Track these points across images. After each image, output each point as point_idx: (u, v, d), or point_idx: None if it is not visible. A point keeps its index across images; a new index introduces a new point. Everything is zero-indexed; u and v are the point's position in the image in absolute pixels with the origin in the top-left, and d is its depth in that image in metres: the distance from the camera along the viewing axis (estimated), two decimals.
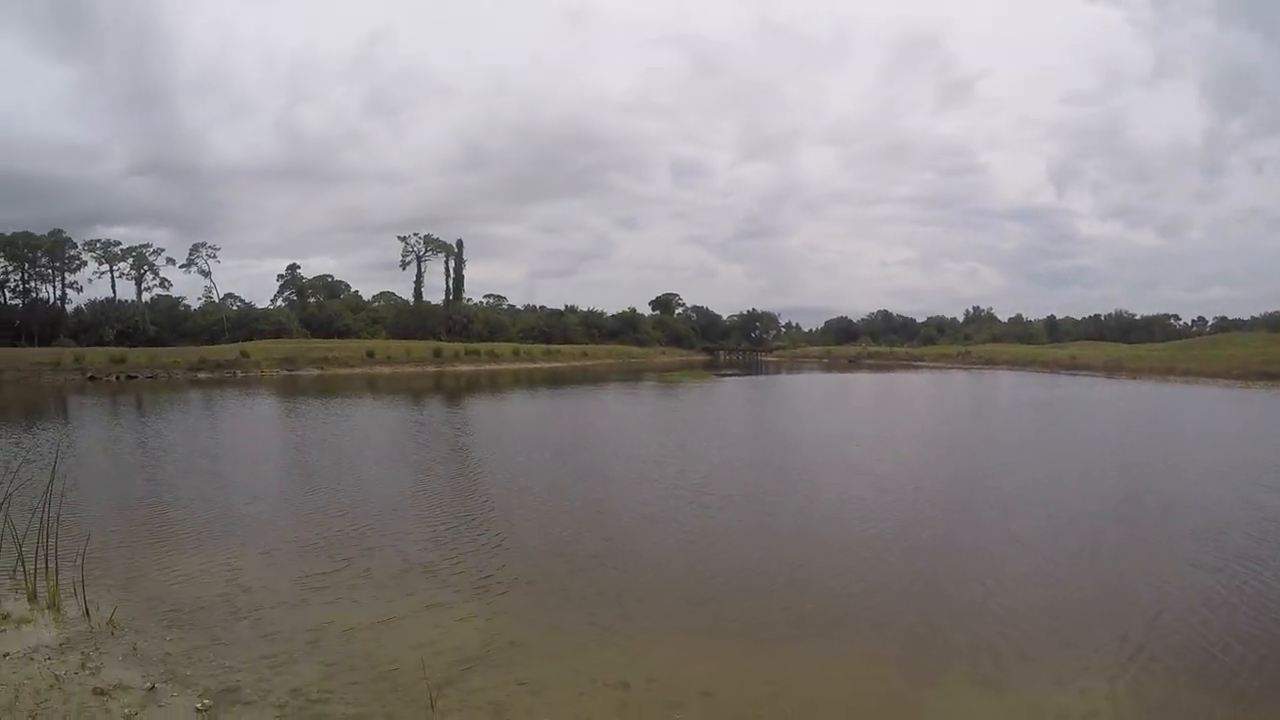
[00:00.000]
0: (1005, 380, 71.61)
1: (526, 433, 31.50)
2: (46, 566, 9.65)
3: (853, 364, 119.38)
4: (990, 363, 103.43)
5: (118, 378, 61.95)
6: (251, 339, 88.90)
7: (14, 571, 10.00)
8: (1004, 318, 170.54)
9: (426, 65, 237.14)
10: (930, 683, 8.56)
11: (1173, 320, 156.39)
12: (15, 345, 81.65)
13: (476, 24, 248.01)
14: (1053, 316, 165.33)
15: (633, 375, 79.25)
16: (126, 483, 19.84)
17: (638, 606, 10.79)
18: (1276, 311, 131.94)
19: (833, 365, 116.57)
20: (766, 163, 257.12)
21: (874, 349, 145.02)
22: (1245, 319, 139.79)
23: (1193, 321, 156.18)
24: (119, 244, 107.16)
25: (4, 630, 8.58)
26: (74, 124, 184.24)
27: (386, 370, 77.82)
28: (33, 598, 9.51)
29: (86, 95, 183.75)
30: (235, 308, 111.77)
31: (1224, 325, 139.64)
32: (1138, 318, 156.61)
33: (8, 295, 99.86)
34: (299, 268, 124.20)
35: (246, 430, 32.78)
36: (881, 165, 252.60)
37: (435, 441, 28.32)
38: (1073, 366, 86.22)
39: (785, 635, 9.82)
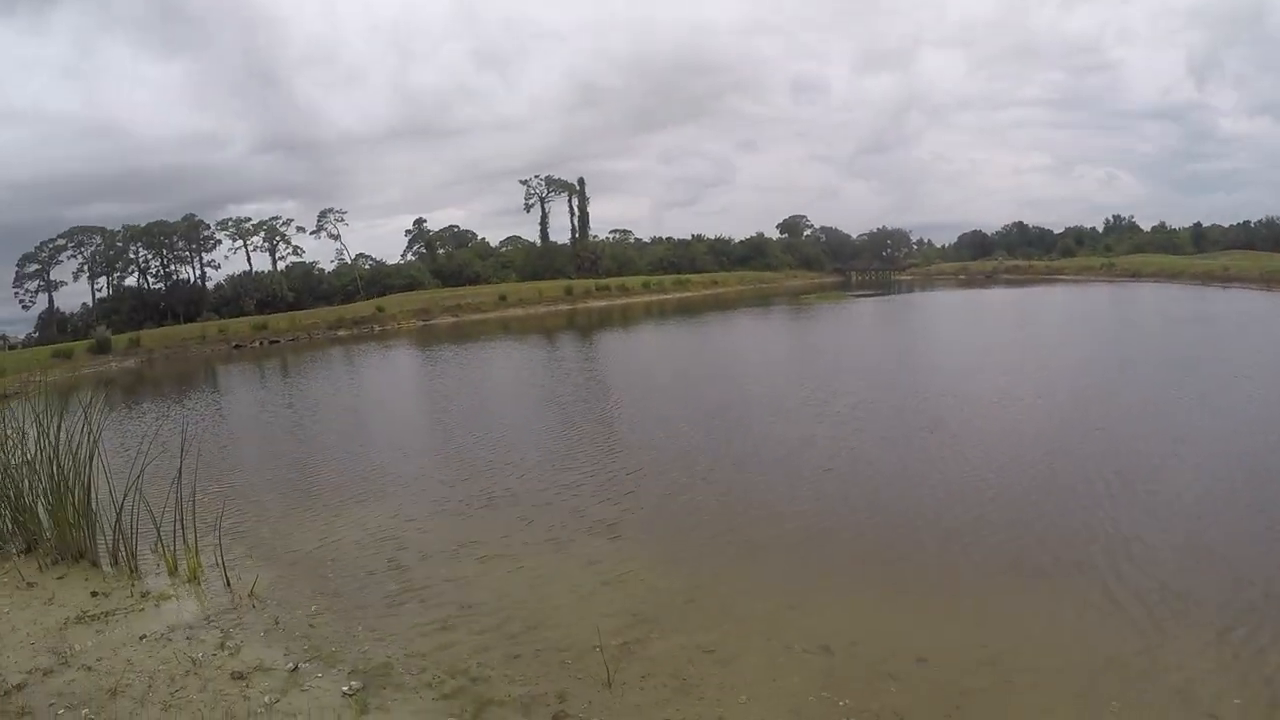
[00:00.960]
0: (1158, 294, 66.44)
1: (671, 366, 29.96)
2: (187, 538, 8.97)
3: (990, 279, 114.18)
4: (1136, 275, 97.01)
5: (261, 343, 63.30)
6: (385, 294, 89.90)
7: (155, 543, 9.32)
8: (1146, 226, 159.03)
9: (527, 12, 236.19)
10: (1169, 639, 7.15)
11: None
12: (162, 325, 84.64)
13: None
14: (1199, 224, 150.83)
15: (765, 300, 77.31)
16: (272, 445, 19.21)
17: (822, 558, 9.61)
18: None
19: (970, 281, 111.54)
20: (887, 73, 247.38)
21: (1011, 263, 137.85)
22: None
23: None
24: (250, 219, 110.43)
25: (143, 609, 7.84)
26: (193, 114, 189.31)
27: (520, 312, 77.45)
28: (173, 571, 8.80)
29: (201, 86, 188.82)
30: (367, 266, 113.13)
31: None
32: None
33: (150, 280, 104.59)
34: (425, 221, 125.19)
35: (388, 382, 32.18)
36: (1008, 67, 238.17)
37: (579, 381, 26.67)
38: (1226, 279, 79.82)
39: (995, 587, 8.50)
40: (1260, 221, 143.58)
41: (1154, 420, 15.51)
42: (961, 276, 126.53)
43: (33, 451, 9.40)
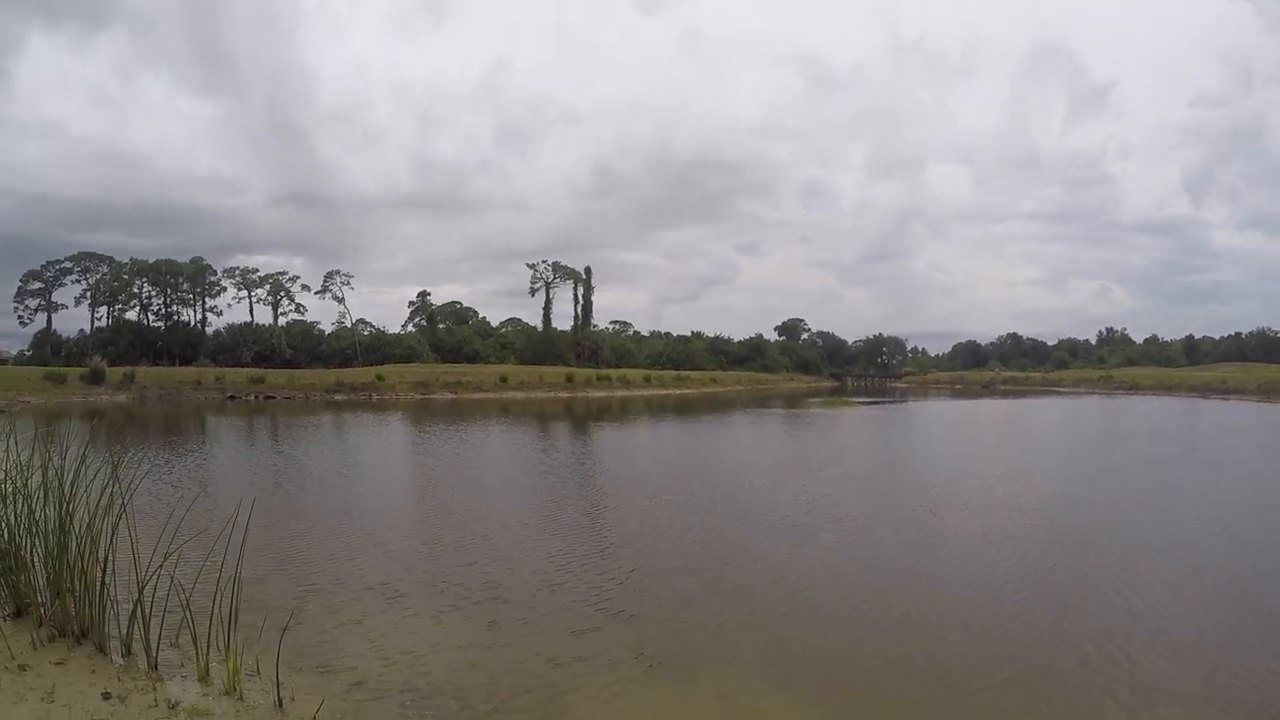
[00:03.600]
0: (1163, 406, 65.75)
1: (685, 469, 28.61)
2: (224, 633, 7.16)
3: (987, 389, 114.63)
4: (1134, 387, 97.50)
5: (256, 397, 62.23)
6: (383, 363, 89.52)
7: (176, 637, 7.74)
8: (1138, 338, 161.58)
9: (551, 93, 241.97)
10: None
11: None
12: (158, 364, 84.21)
13: (595, 50, 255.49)
14: (1191, 336, 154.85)
15: (765, 402, 76.35)
16: (307, 520, 16.82)
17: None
18: None
19: (965, 391, 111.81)
20: (893, 182, 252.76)
21: (1008, 374, 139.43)
22: None
23: None
24: (256, 271, 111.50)
25: None
26: (216, 157, 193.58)
27: (519, 395, 76.44)
28: (204, 676, 6.99)
29: (228, 130, 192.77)
30: (367, 332, 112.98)
31: None
32: None
33: (150, 317, 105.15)
34: (429, 294, 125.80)
35: (406, 458, 30.43)
36: (1007, 180, 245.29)
37: (602, 478, 25.52)
38: (1224, 391, 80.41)
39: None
40: (1252, 333, 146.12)
41: None
42: (958, 386, 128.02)
43: (35, 491, 7.68)
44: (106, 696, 6.28)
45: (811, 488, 21.69)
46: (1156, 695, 8.26)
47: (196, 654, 7.13)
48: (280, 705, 6.68)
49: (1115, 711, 7.79)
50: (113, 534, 7.28)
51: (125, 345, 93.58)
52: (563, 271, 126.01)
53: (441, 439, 35.57)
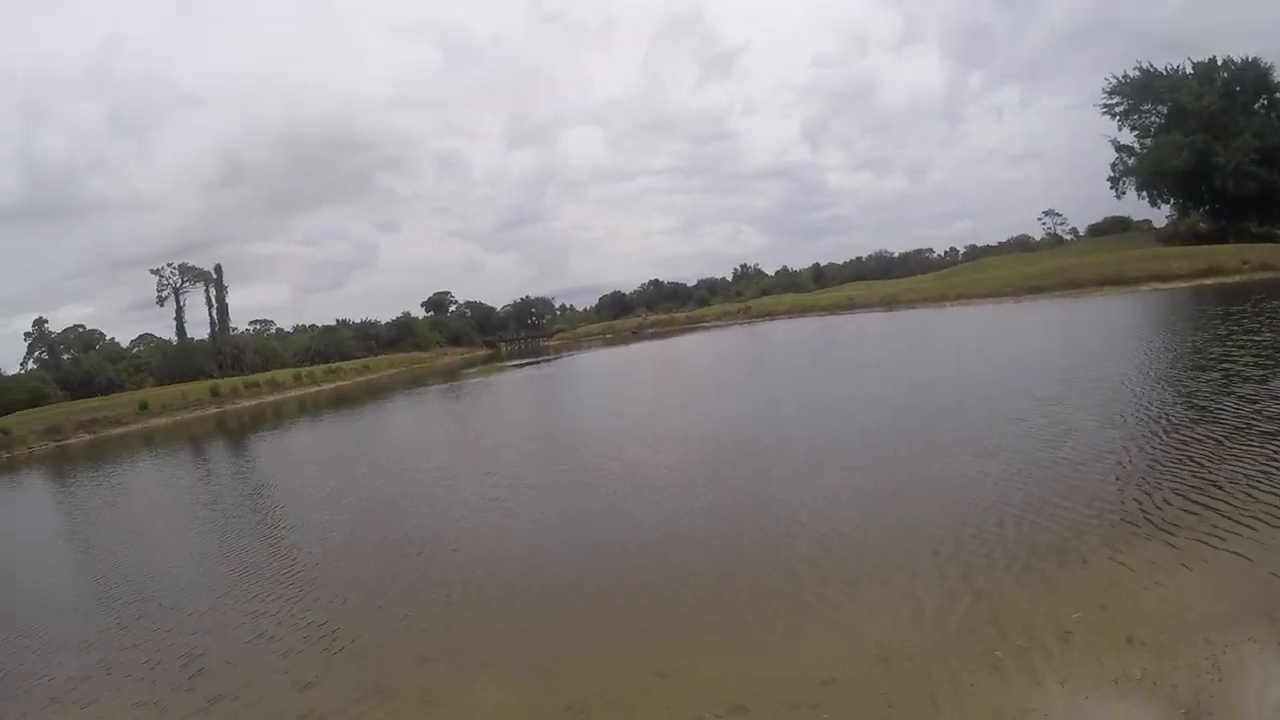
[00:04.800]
0: (799, 327, 75.96)
1: (349, 466, 30.34)
2: None
3: (636, 335, 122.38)
4: (772, 314, 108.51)
5: None
6: (8, 413, 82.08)
7: None
8: (770, 271, 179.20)
9: (168, 74, 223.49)
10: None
11: (927, 254, 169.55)
12: None
13: (216, 25, 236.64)
14: (817, 264, 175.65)
15: (422, 380, 79.22)
16: None
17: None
18: (1021, 236, 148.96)
19: (616, 339, 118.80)
20: (530, 149, 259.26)
21: (654, 317, 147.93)
22: (992, 245, 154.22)
23: (945, 253, 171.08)
24: None
25: None
26: None
27: (164, 421, 74.65)
28: None
29: None
30: None
31: (974, 254, 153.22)
32: (895, 255, 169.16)
33: None
34: (46, 322, 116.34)
35: (34, 549, 28.06)
36: (641, 141, 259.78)
37: (243, 496, 26.67)
38: (850, 306, 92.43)
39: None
40: (870, 256, 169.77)
41: None
42: (609, 335, 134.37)
43: None
44: None
45: (481, 461, 25.07)
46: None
47: None
48: None
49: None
50: None
51: None
52: (191, 274, 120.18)
53: (85, 497, 34.52)
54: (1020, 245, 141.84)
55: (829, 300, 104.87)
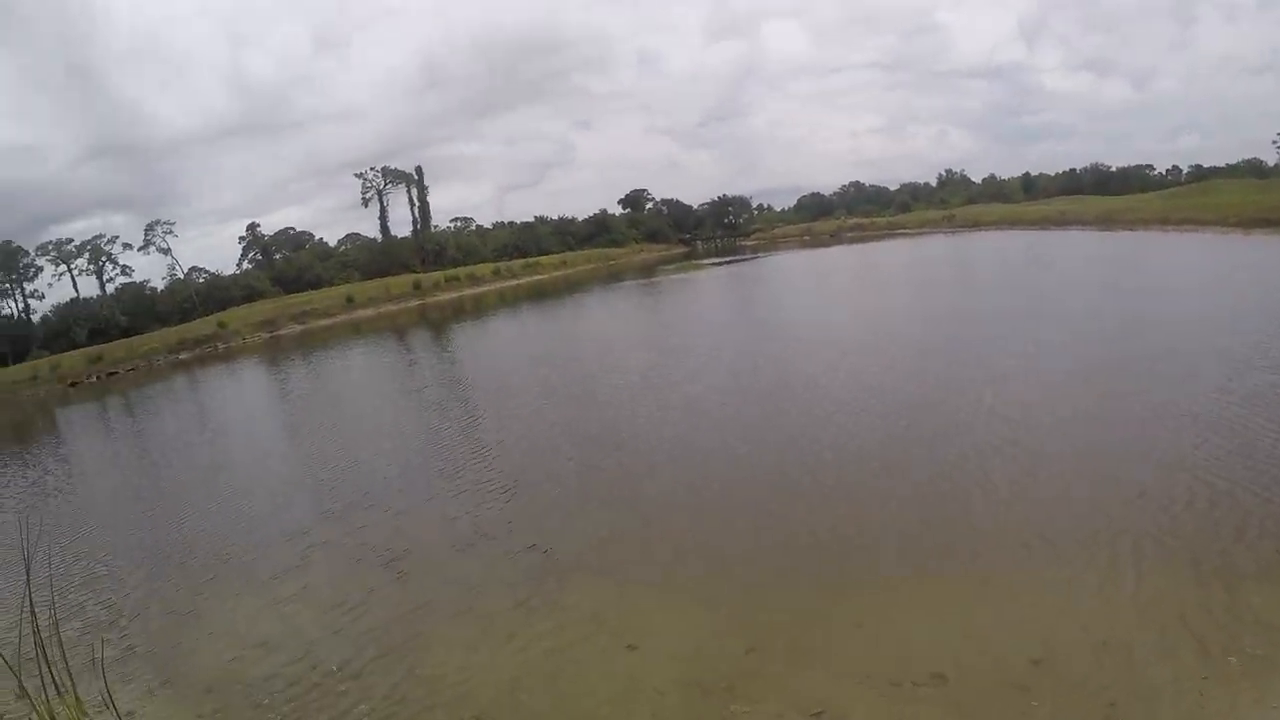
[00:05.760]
0: (1010, 240, 69.24)
1: (557, 357, 29.24)
2: (55, 674, 6.31)
3: (835, 238, 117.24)
4: (976, 224, 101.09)
5: (98, 378, 59.82)
6: (225, 309, 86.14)
7: (19, 690, 6.62)
8: (977, 178, 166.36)
9: None
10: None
11: (1147, 170, 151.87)
12: None
13: None
14: (1028, 174, 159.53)
15: (619, 276, 77.60)
16: (140, 520, 15.68)
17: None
18: (1253, 159, 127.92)
19: (815, 241, 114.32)
20: (729, 42, 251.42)
21: (853, 220, 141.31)
22: (1220, 166, 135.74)
23: (1167, 171, 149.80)
24: (71, 241, 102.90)
25: None
26: (9, 125, 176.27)
27: (370, 313, 75.79)
28: None
29: (18, 93, 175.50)
30: (202, 280, 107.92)
31: (1200, 174, 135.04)
32: (1113, 169, 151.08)
33: None
34: (259, 225, 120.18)
35: (252, 416, 29.38)
36: (844, 34, 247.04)
37: (456, 384, 26.28)
38: (1062, 222, 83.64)
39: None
40: (1085, 168, 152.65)
41: None
42: (806, 238, 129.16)
43: None
44: None
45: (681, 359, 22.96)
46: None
47: (33, 705, 6.20)
48: None
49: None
50: None
51: None
52: (394, 176, 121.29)
53: (291, 380, 35.36)
54: (1252, 170, 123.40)
55: (1038, 213, 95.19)
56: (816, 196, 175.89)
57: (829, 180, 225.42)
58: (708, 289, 49.63)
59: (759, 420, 15.67)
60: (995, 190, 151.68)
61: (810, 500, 11.30)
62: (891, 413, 15.12)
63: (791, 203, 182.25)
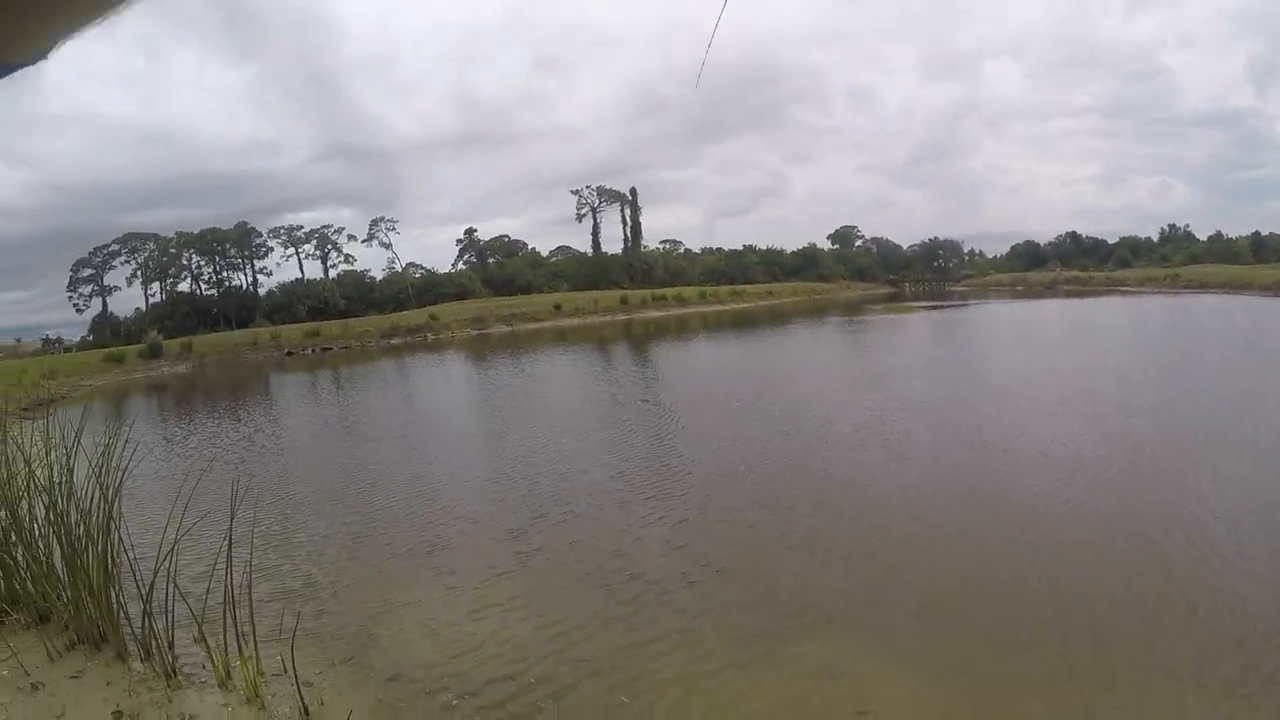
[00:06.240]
0: (1243, 306, 62.19)
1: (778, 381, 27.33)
2: (241, 630, 6.10)
3: (1050, 290, 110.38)
4: (1203, 286, 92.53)
5: (313, 350, 62.09)
6: (436, 303, 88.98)
7: (198, 637, 6.38)
8: (1201, 235, 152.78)
9: (586, 18, 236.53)
10: None
11: None
12: (215, 330, 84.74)
13: None
14: (1257, 233, 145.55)
15: (824, 311, 74.51)
16: (345, 485, 14.92)
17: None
18: None
19: (1027, 292, 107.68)
20: (944, 81, 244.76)
21: (1070, 274, 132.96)
22: None
23: None
24: (302, 227, 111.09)
25: None
26: (254, 121, 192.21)
27: (575, 321, 75.53)
28: (224, 681, 6.00)
29: (263, 92, 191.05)
30: (418, 275, 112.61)
31: None
32: None
33: (203, 286, 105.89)
34: (476, 230, 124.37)
35: (461, 406, 28.33)
36: (1063, 77, 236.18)
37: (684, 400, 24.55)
38: None
39: None
40: None
41: None
42: (1019, 288, 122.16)
43: (50, 485, 7.05)
44: (118, 716, 5.42)
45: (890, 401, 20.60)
46: None
47: (212, 657, 6.07)
48: (306, 713, 5.64)
49: None
50: (117, 510, 6.63)
51: (181, 317, 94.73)
52: (608, 195, 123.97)
53: (499, 375, 34.83)
54: None
55: (1271, 278, 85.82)
56: (1030, 245, 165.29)
57: (1043, 228, 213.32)
58: (922, 333, 46.12)
59: (1007, 477, 12.97)
60: (1222, 249, 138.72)
61: (1049, 572, 8.81)
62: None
63: (1003, 249, 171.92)
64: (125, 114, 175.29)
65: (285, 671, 6.13)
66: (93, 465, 7.03)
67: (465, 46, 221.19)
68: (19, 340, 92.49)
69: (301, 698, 5.64)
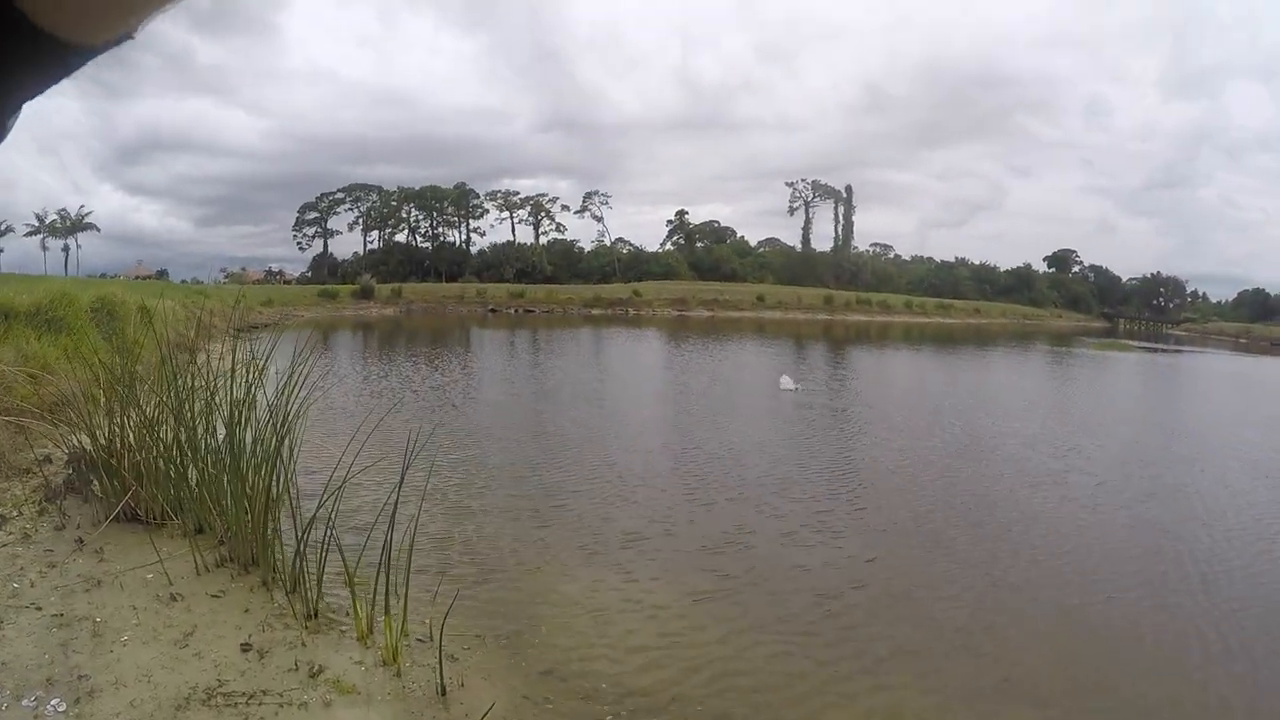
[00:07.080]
0: None
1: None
2: (394, 588, 5.52)
3: (1277, 347, 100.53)
4: None
5: (516, 310, 63.89)
6: (640, 280, 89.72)
7: (349, 580, 5.88)
8: None
9: (812, 9, 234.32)
10: None
11: None
12: (425, 280, 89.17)
13: None
14: None
15: (1029, 338, 69.74)
16: (535, 458, 13.71)
17: None
18: None
19: (1252, 346, 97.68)
20: (1186, 101, 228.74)
21: None
22: None
23: None
24: (518, 193, 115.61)
25: (304, 703, 4.58)
26: (482, 89, 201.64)
27: (776, 315, 74.39)
28: (364, 637, 5.53)
29: (492, 62, 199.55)
30: (626, 250, 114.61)
31: None
32: None
33: (418, 239, 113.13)
34: (687, 213, 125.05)
35: (662, 376, 28.08)
36: None
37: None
38: None
39: None
40: None
41: None
42: (1242, 340, 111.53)
43: (232, 406, 6.94)
44: (245, 648, 5.12)
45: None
46: None
47: (356, 609, 5.61)
48: (443, 692, 5.04)
49: None
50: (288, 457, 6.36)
51: (394, 264, 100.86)
52: (822, 190, 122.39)
53: (697, 356, 34.19)
54: None
55: None
56: (1260, 293, 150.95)
57: (1276, 276, 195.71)
58: (1144, 379, 41.88)
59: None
60: None
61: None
62: None
63: (1229, 294, 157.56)
64: (358, 74, 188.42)
65: (430, 639, 5.69)
66: (280, 392, 6.89)
67: (688, 29, 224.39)
68: (244, 269, 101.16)
69: (441, 674, 5.10)
